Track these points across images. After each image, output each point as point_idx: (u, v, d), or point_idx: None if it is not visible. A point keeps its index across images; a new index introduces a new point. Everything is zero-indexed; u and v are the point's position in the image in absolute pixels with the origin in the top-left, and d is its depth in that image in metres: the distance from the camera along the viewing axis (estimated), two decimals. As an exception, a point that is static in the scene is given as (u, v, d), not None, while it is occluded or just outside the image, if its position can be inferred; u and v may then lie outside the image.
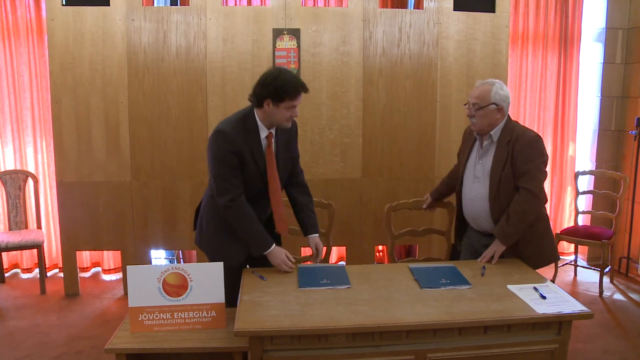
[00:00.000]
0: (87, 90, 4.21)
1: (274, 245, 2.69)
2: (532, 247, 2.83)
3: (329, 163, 4.43)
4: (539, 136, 2.80)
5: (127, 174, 4.31)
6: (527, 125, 5.10)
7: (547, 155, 2.81)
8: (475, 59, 4.42)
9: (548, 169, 5.36)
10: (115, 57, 4.19)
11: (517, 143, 2.73)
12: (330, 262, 2.89)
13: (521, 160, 2.72)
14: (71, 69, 4.18)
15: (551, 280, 3.18)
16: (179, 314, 2.43)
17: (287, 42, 4.25)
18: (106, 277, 4.92)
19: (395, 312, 2.22)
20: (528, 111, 5.23)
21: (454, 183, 3.13)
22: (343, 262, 4.89)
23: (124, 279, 4.50)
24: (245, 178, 2.65)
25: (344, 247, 4.62)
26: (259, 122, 2.62)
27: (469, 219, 2.99)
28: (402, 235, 3.47)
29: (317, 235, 2.92)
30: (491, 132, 2.80)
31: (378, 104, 4.39)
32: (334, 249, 4.97)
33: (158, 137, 4.30)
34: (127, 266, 2.45)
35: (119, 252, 4.52)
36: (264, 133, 2.65)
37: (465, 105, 2.87)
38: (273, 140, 2.69)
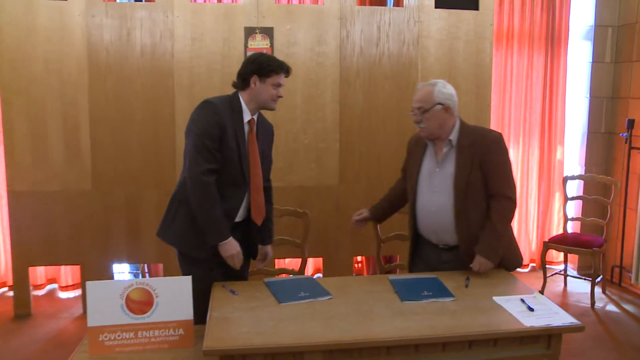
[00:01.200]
0: (42, 90, 4.15)
1: (231, 237, 2.73)
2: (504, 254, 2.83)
3: (303, 169, 4.43)
4: (501, 134, 2.88)
5: (87, 182, 4.26)
6: (512, 128, 5.21)
7: None
8: (458, 59, 4.47)
9: (535, 173, 5.47)
10: (73, 55, 4.15)
11: (483, 145, 2.75)
12: (306, 275, 2.87)
13: (492, 162, 2.75)
14: (23, 67, 4.11)
15: (539, 291, 3.23)
16: (144, 332, 2.40)
17: (259, 42, 4.26)
18: (63, 295, 4.83)
19: (374, 327, 2.22)
20: (513, 113, 5.27)
21: (398, 202, 3.16)
22: (319, 275, 4.89)
23: (83, 296, 4.42)
24: (223, 160, 2.71)
25: (321, 259, 4.62)
26: (244, 105, 2.76)
27: (428, 232, 2.91)
28: (390, 239, 3.51)
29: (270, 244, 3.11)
30: (450, 137, 2.79)
31: (355, 106, 4.42)
32: (310, 261, 4.96)
33: (121, 142, 4.25)
34: (87, 282, 2.41)
35: (78, 267, 4.45)
36: (247, 117, 2.77)
37: (411, 112, 2.86)
38: (255, 127, 2.82)
